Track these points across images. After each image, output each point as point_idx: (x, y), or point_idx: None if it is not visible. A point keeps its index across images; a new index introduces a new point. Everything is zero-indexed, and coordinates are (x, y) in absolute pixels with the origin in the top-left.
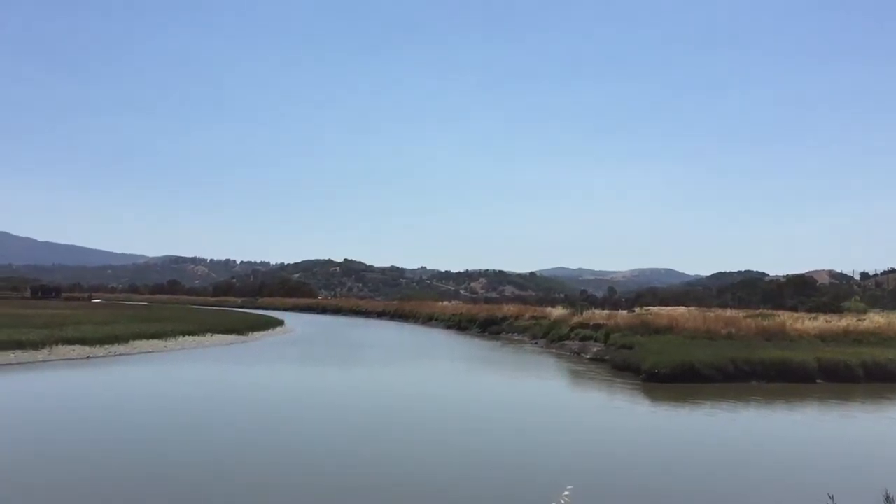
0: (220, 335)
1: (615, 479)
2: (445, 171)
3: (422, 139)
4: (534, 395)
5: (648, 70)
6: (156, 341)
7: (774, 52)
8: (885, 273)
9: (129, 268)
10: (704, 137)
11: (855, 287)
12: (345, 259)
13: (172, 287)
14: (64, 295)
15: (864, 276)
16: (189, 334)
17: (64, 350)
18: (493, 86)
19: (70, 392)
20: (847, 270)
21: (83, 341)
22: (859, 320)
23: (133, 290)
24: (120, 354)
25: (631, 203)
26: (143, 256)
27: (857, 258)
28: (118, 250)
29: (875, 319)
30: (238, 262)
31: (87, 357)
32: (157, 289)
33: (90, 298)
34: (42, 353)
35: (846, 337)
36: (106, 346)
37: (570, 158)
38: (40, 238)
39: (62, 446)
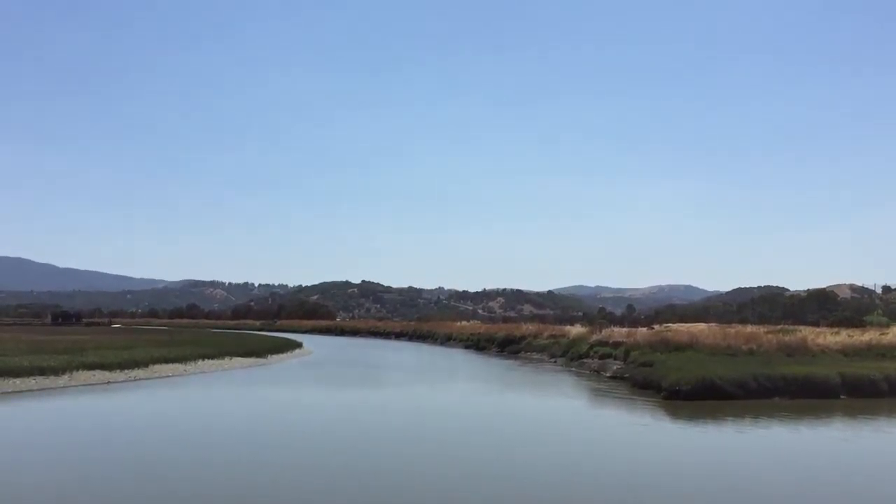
0: (240, 358)
1: (643, 498)
2: (462, 190)
3: (438, 159)
4: (554, 415)
5: (662, 85)
6: (175, 365)
7: (787, 63)
8: None
9: (148, 292)
10: (721, 151)
11: (877, 301)
12: (362, 280)
13: (191, 311)
14: (84, 320)
15: (886, 289)
16: (208, 358)
17: (84, 375)
18: (508, 104)
19: (90, 418)
20: (868, 284)
21: (103, 366)
22: (882, 334)
23: (152, 314)
24: (140, 379)
25: (649, 219)
26: (161, 281)
27: (878, 271)
28: (137, 275)
29: None
30: (256, 284)
31: (108, 382)
32: (176, 313)
33: (110, 324)
34: (63, 379)
35: (869, 351)
36: (126, 371)
37: (586, 175)
38: (60, 265)
39: (89, 472)
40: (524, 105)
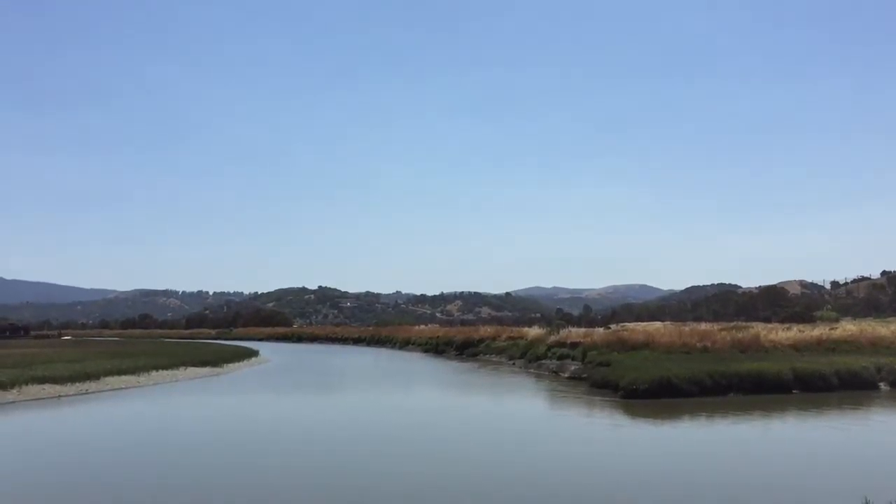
0: (194, 368)
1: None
2: (417, 194)
3: (394, 163)
4: (515, 418)
5: (617, 89)
6: (128, 377)
7: (739, 70)
8: (854, 281)
9: (99, 303)
10: (672, 154)
11: (826, 296)
12: (319, 286)
13: (144, 321)
14: (33, 333)
15: (835, 284)
16: (162, 368)
17: (34, 390)
18: (464, 108)
19: (41, 433)
20: (818, 280)
21: (54, 380)
22: (832, 329)
23: (104, 325)
24: (92, 392)
25: (604, 220)
26: (113, 291)
27: (827, 267)
28: (87, 286)
29: (847, 328)
30: (210, 293)
31: (59, 396)
32: (129, 323)
33: (60, 336)
34: (11, 394)
35: (819, 346)
36: (77, 384)
37: (541, 178)
38: (7, 276)
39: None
40: (480, 111)
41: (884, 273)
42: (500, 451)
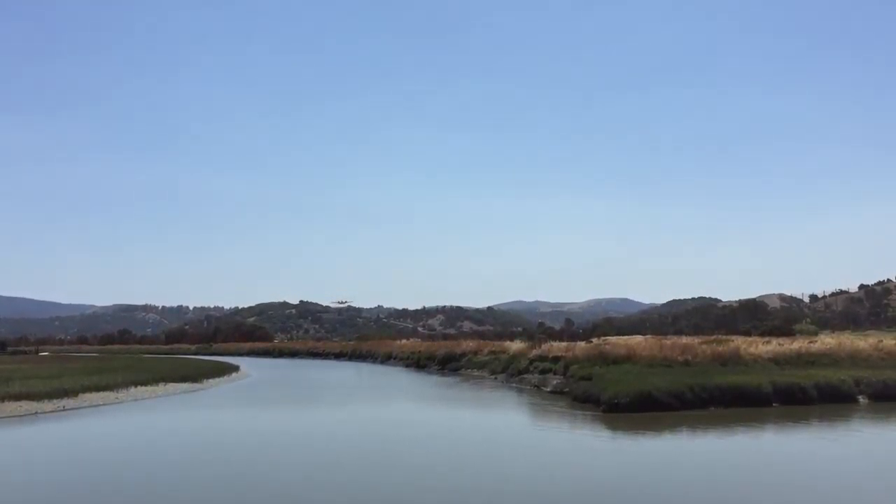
0: (174, 384)
1: None
2: (399, 208)
3: (375, 177)
4: (501, 432)
5: (596, 101)
6: (107, 393)
7: (716, 82)
8: (833, 295)
9: (77, 318)
10: (654, 167)
11: (805, 309)
12: (300, 301)
13: (123, 336)
14: (9, 349)
15: (814, 298)
16: (141, 384)
17: (10, 407)
18: (444, 123)
19: (17, 450)
20: (797, 293)
21: (30, 396)
22: (811, 342)
23: (82, 340)
24: (69, 409)
25: (585, 234)
26: (91, 306)
27: (806, 281)
28: (65, 300)
29: (826, 341)
30: (191, 307)
31: (35, 413)
32: (108, 338)
33: (37, 352)
34: None
35: (799, 359)
36: (54, 401)
37: (523, 192)
38: None
39: None
40: (459, 126)
41: (861, 287)
42: (491, 463)
